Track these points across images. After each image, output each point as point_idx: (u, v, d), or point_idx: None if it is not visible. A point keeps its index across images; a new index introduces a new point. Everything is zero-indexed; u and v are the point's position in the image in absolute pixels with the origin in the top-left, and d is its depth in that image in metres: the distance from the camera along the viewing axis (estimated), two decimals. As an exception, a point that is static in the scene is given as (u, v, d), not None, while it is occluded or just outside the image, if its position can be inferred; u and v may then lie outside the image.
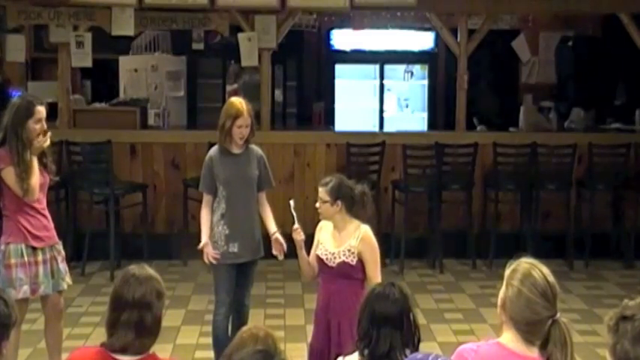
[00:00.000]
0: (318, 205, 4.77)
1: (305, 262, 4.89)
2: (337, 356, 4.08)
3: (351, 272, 4.69)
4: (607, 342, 2.40)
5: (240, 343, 2.86)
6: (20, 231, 5.02)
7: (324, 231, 4.85)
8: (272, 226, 5.43)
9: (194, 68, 11.47)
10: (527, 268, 2.81)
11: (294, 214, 4.94)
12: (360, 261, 4.69)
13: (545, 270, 2.81)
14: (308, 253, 4.88)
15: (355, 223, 4.76)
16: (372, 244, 4.76)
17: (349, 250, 4.69)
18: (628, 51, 9.05)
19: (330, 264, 4.72)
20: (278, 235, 5.38)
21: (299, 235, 4.87)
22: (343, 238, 4.73)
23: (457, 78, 8.86)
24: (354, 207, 4.75)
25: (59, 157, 7.74)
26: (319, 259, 4.79)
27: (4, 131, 4.99)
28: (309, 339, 6.27)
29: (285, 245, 5.35)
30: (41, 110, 5.04)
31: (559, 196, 8.54)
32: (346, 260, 4.69)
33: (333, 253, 4.72)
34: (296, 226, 4.91)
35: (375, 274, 4.68)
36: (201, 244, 5.35)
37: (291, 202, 5.00)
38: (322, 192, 4.73)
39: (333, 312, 4.70)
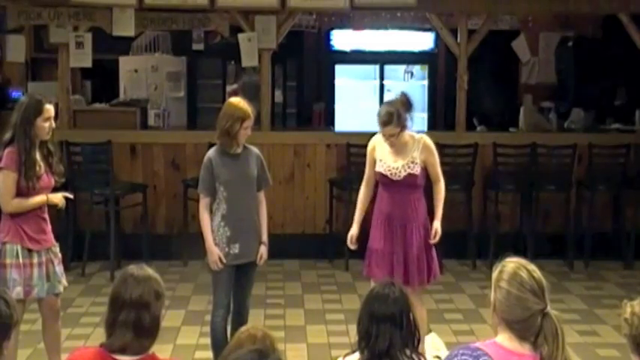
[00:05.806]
0: (389, 143, 5.17)
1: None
2: (405, 258, 5.15)
3: (415, 182, 5.20)
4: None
5: (238, 344, 2.87)
6: (17, 232, 4.98)
7: (379, 149, 5.29)
8: (263, 234, 5.40)
9: (194, 69, 11.48)
10: (513, 268, 2.83)
11: None
12: (423, 169, 5.22)
13: (531, 267, 2.84)
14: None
15: (409, 133, 5.24)
16: (433, 148, 5.28)
17: (412, 162, 5.19)
18: (628, 51, 9.04)
19: (395, 178, 5.20)
20: (263, 249, 5.37)
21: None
22: (403, 152, 5.20)
23: (457, 78, 8.86)
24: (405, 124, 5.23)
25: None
26: (382, 175, 5.21)
27: (13, 129, 4.96)
28: (310, 338, 6.31)
29: (265, 256, 5.37)
30: (50, 109, 5.01)
31: (559, 196, 8.54)
32: (411, 172, 5.20)
33: (397, 168, 5.20)
34: None
35: (439, 173, 5.33)
36: (212, 252, 5.24)
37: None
38: (391, 129, 5.11)
39: (399, 218, 5.27)
